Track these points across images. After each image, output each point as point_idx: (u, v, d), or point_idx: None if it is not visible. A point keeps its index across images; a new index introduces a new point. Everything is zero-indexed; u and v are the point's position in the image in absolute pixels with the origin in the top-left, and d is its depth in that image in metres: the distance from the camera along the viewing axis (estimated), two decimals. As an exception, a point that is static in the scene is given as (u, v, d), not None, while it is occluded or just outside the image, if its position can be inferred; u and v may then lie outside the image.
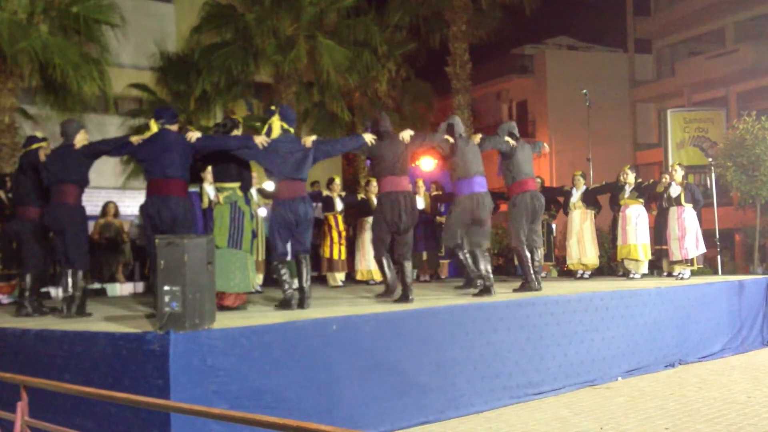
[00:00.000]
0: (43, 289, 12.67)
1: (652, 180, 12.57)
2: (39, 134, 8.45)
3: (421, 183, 12.70)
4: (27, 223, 8.06)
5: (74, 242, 7.33)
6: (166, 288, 5.36)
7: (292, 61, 17.56)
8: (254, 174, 11.20)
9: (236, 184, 7.42)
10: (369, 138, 7.79)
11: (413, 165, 14.04)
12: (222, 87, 18.01)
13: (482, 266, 8.36)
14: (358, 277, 12.15)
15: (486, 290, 8.25)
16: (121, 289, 13.61)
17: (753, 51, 25.24)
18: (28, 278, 7.95)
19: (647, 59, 31.47)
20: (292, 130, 7.51)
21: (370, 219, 11.83)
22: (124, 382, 5.32)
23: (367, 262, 11.89)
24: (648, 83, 30.83)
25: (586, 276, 11.98)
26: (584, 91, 14.93)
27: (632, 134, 30.79)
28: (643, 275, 11.46)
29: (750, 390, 7.72)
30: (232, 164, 7.40)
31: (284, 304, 7.30)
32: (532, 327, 7.67)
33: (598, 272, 12.53)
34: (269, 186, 12.45)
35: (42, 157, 7.71)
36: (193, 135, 7.15)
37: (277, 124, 7.39)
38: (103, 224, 13.99)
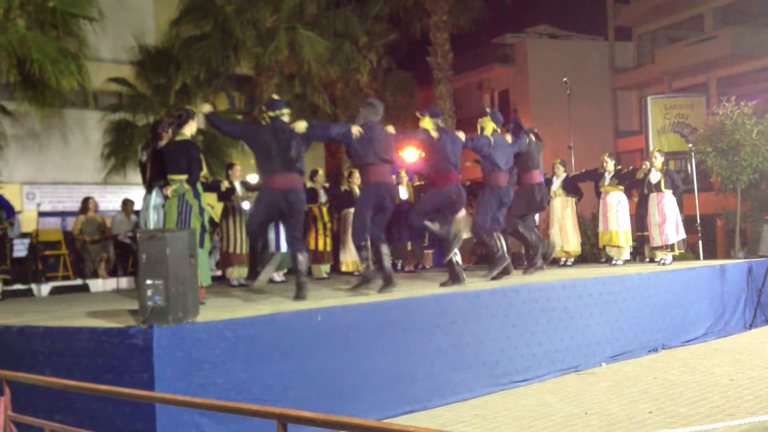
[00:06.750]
0: (25, 286, 12.59)
1: (631, 167, 12.64)
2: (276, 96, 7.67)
3: (404, 173, 12.69)
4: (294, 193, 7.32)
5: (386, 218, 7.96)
6: (149, 282, 5.33)
7: (272, 52, 17.47)
8: (239, 167, 11.15)
9: (183, 177, 7.25)
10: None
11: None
12: (202, 80, 17.86)
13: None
14: (343, 268, 12.13)
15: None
16: (104, 284, 13.50)
17: (732, 37, 25.34)
18: (300, 258, 7.39)
19: (627, 47, 31.56)
20: (499, 130, 8.91)
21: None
22: (108, 377, 5.28)
23: (352, 254, 11.87)
24: (628, 70, 30.93)
25: (569, 263, 12.03)
26: (565, 79, 14.94)
27: (613, 121, 30.89)
28: (626, 261, 11.53)
29: (732, 373, 7.79)
30: (181, 157, 7.30)
31: (500, 271, 8.64)
32: (516, 314, 7.70)
33: (581, 259, 12.59)
34: (253, 179, 12.42)
35: (302, 127, 7.25)
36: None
37: (489, 125, 8.80)
38: (84, 220, 13.88)
